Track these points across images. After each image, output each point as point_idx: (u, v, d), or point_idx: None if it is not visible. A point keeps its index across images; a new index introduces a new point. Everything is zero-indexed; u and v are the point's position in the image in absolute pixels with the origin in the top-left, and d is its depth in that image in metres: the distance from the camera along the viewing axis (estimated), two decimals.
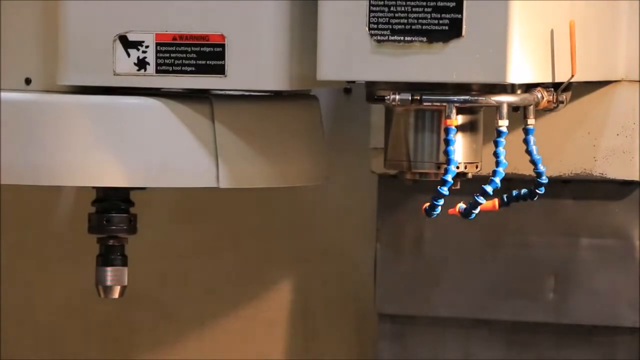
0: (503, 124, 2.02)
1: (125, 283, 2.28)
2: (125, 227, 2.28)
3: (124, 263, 2.28)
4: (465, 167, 2.09)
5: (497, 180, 2.03)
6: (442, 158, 2.05)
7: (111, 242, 2.28)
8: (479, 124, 2.13)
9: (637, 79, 2.28)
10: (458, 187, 2.06)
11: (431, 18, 1.96)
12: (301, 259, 2.71)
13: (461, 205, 2.06)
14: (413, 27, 1.97)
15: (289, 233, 2.70)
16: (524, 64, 1.97)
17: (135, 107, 2.19)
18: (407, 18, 1.97)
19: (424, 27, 1.96)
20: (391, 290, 2.50)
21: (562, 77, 2.06)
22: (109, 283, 2.28)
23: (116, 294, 2.29)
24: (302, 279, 2.72)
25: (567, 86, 2.14)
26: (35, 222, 2.66)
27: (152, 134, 2.17)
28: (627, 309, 2.42)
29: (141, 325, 2.74)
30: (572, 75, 2.07)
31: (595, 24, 2.18)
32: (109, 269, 2.27)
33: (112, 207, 2.26)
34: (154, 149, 2.19)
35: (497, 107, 2.02)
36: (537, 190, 2.10)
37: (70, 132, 2.21)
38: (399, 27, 1.98)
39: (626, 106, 2.31)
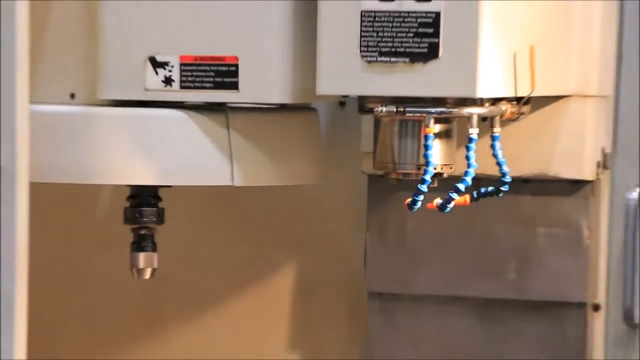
0: (473, 132, 2.06)
1: (155, 266, 2.32)
2: (154, 219, 2.30)
3: (154, 249, 2.31)
4: (442, 168, 2.12)
5: (468, 179, 2.07)
6: (421, 160, 2.08)
7: (143, 231, 2.31)
8: (453, 132, 2.16)
9: (586, 94, 2.30)
10: (435, 185, 2.09)
11: (413, 42, 1.99)
12: (302, 246, 2.72)
13: (438, 201, 2.10)
14: (397, 49, 2.00)
15: (292, 224, 2.71)
16: (491, 81, 2.00)
17: (163, 118, 2.21)
18: (393, 42, 2.00)
19: (406, 49, 1.99)
20: (379, 272, 2.51)
21: (523, 92, 2.10)
22: (141, 266, 2.31)
23: (148, 275, 2.32)
24: (303, 263, 2.72)
25: (527, 100, 2.17)
26: (80, 215, 2.65)
27: (177, 141, 2.20)
28: (576, 288, 2.39)
29: (168, 301, 2.74)
30: (532, 91, 2.11)
31: (551, 47, 2.20)
32: (141, 254, 2.30)
33: (143, 202, 2.29)
34: (178, 153, 2.21)
35: (468, 117, 2.06)
36: (501, 188, 2.16)
37: (108, 139, 2.22)
38: (386, 49, 2.01)
39: (576, 117, 2.32)
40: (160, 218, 2.30)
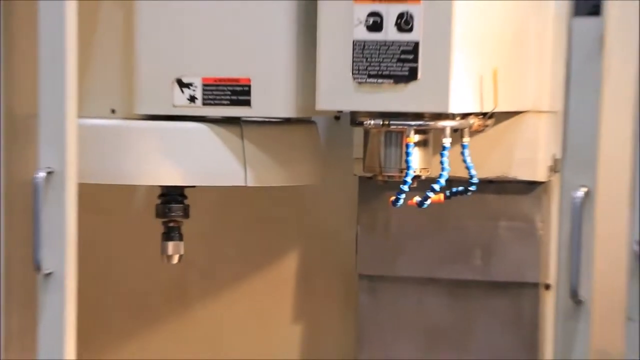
0: (446, 141, 2.10)
1: (182, 252, 2.35)
2: (181, 214, 2.33)
3: (181, 239, 2.34)
4: (420, 171, 2.15)
5: (442, 180, 2.10)
6: (403, 165, 2.12)
7: (171, 224, 2.34)
8: (429, 141, 2.19)
9: (539, 110, 2.32)
10: (415, 185, 2.12)
11: (396, 66, 2.02)
12: (304, 236, 2.73)
13: (417, 198, 2.14)
14: (383, 72, 2.03)
15: (295, 218, 2.72)
16: (461, 99, 2.04)
17: (188, 130, 2.24)
18: (379, 66, 2.04)
19: (391, 72, 2.03)
20: (368, 257, 2.52)
21: (487, 108, 2.13)
22: (170, 253, 2.34)
23: (175, 260, 2.35)
24: (304, 250, 2.74)
25: (491, 115, 2.19)
26: (120, 210, 2.68)
27: (199, 149, 2.23)
28: (531, 270, 2.44)
29: (192, 281, 2.75)
30: (495, 107, 2.14)
31: (511, 70, 2.21)
32: (170, 243, 2.34)
33: (171, 199, 2.33)
34: (200, 159, 2.25)
35: (442, 129, 2.10)
36: (470, 188, 2.20)
37: (143, 147, 2.25)
38: (374, 72, 2.04)
39: (531, 129, 2.36)
40: (185, 213, 2.33)
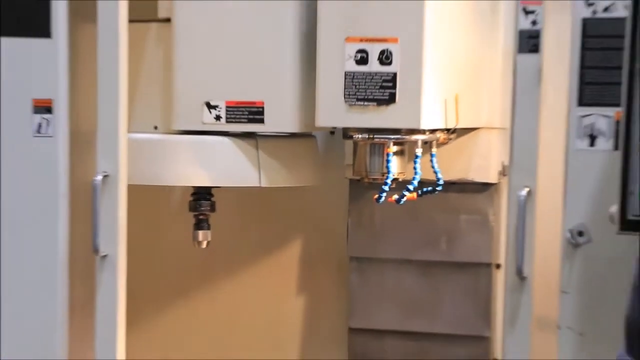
0: (418, 151, 2.12)
1: (209, 239, 2.34)
2: (209, 208, 2.33)
3: (209, 228, 2.34)
4: (397, 175, 2.16)
5: (415, 182, 2.13)
6: (384, 170, 2.13)
7: (201, 216, 2.34)
8: (405, 151, 2.20)
9: (491, 127, 2.32)
10: (394, 186, 2.12)
11: (378, 92, 2.04)
12: (305, 226, 2.69)
13: (395, 196, 2.14)
14: (369, 97, 2.05)
15: (298, 212, 2.67)
16: (430, 118, 2.05)
17: (214, 142, 2.23)
18: (365, 92, 2.05)
19: (375, 97, 2.05)
20: (356, 243, 2.51)
21: (451, 125, 2.14)
22: (200, 239, 2.34)
23: (204, 245, 2.35)
24: (306, 237, 2.69)
25: (454, 130, 2.20)
26: (160, 205, 2.65)
27: (223, 157, 2.23)
28: (485, 253, 2.41)
29: (218, 262, 2.70)
30: (456, 124, 2.15)
31: (469, 94, 2.20)
32: (200, 231, 2.34)
33: (201, 197, 2.32)
34: (224, 165, 2.24)
35: (415, 141, 2.11)
36: (437, 188, 2.22)
37: (180, 156, 2.24)
38: (361, 97, 2.06)
39: (485, 141, 2.34)
40: (212, 208, 2.32)
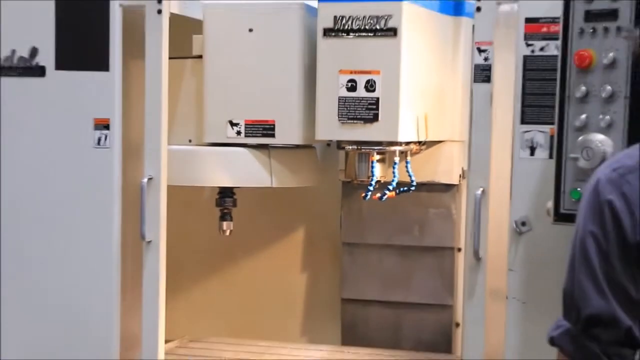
0: (396, 159, 2.13)
1: (232, 228, 2.32)
2: (232, 204, 2.31)
3: (231, 219, 2.31)
4: (380, 178, 2.15)
5: (394, 183, 2.13)
6: (369, 174, 2.13)
7: (225, 210, 2.32)
8: (386, 159, 2.19)
9: (453, 140, 2.31)
10: (377, 186, 2.13)
11: (365, 112, 2.06)
12: (307, 218, 2.67)
13: (378, 195, 2.14)
14: (357, 116, 2.06)
15: (302, 207, 2.63)
16: (405, 132, 2.06)
17: (236, 152, 2.21)
18: (354, 112, 2.06)
19: (362, 116, 2.06)
20: (348, 231, 2.48)
21: (422, 138, 2.14)
22: (224, 229, 2.32)
23: (228, 233, 2.33)
24: (308, 226, 2.67)
25: (424, 143, 2.19)
26: (193, 201, 2.58)
27: (243, 164, 2.22)
28: (449, 239, 2.39)
29: (237, 246, 2.66)
30: (426, 138, 2.15)
31: (436, 114, 2.20)
32: (224, 222, 2.32)
33: (225, 195, 2.30)
34: (243, 170, 2.23)
35: (394, 151, 2.12)
36: (411, 188, 2.21)
37: (210, 163, 2.24)
38: (351, 116, 2.06)
39: (449, 151, 2.32)
40: (234, 203, 2.31)
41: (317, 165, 2.42)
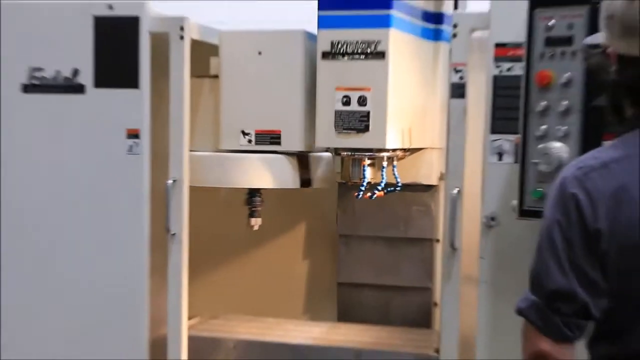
0: (384, 163, 2.13)
1: (260, 223, 2.28)
2: (259, 203, 2.26)
3: (260, 215, 2.27)
4: (370, 179, 2.14)
5: (382, 184, 2.13)
6: (362, 176, 2.12)
7: (254, 208, 2.26)
8: (375, 163, 2.17)
9: (433, 147, 2.29)
10: (368, 187, 2.12)
11: (357, 123, 2.04)
12: (309, 215, 2.60)
13: (369, 194, 2.13)
14: (351, 127, 2.04)
15: (304, 205, 2.58)
16: (392, 140, 2.05)
17: (246, 158, 2.17)
18: (349, 123, 2.04)
19: (355, 127, 2.04)
20: (343, 225, 2.47)
21: (406, 145, 2.13)
22: (253, 224, 2.28)
23: (256, 228, 2.28)
24: (309, 222, 2.65)
25: (408, 149, 2.19)
26: (225, 199, 2.53)
27: (279, 168, 2.18)
28: (428, 232, 2.39)
29: (250, 238, 2.51)
30: (410, 145, 2.15)
31: (419, 126, 2.18)
32: (253, 218, 2.27)
33: (253, 194, 2.26)
34: (278, 173, 2.18)
35: (382, 157, 2.11)
36: (397, 188, 2.20)
37: (227, 167, 2.17)
38: (346, 127, 2.05)
39: (429, 157, 2.30)
40: (261, 202, 2.27)
41: (332, 170, 2.36)
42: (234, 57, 2.15)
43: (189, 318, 2.21)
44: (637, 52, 1.18)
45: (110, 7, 2.05)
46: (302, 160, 2.22)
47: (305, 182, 2.25)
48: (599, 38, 1.27)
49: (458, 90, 1.94)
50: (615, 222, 1.17)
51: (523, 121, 1.75)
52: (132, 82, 2.07)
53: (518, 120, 1.77)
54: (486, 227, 1.90)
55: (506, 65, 1.86)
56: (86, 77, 2.10)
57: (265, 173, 2.18)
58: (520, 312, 1.27)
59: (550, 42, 1.72)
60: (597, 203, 1.18)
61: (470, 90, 1.93)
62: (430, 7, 2.20)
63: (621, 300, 1.20)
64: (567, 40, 1.70)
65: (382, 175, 2.13)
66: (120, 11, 2.05)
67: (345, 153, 2.12)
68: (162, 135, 2.12)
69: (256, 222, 2.29)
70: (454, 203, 1.94)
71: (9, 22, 2.13)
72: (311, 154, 2.24)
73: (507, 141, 1.87)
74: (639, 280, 1.18)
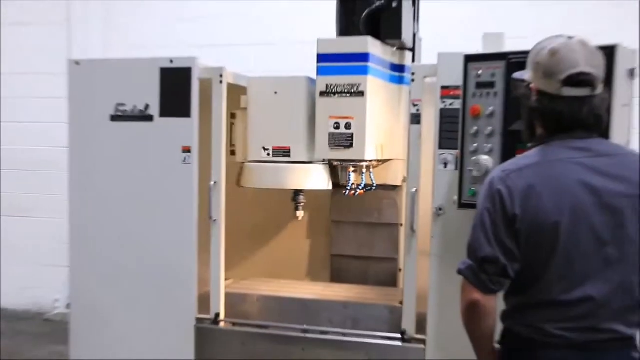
0: (364, 170, 2.10)
1: (303, 214, 2.22)
2: (303, 200, 2.19)
3: (303, 209, 2.21)
4: (354, 181, 2.11)
5: (362, 185, 2.11)
6: (347, 179, 2.10)
7: (298, 204, 2.20)
8: (358, 170, 2.11)
9: (399, 159, 2.24)
10: (352, 187, 2.10)
11: (345, 142, 2.01)
12: (310, 207, 2.35)
13: (353, 192, 2.11)
14: (340, 144, 2.02)
15: (307, 200, 2.38)
16: (369, 153, 2.02)
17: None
18: (339, 141, 2.01)
19: (343, 144, 2.01)
20: (335, 213, 2.46)
21: (379, 157, 2.10)
22: (297, 215, 2.21)
23: (299, 218, 2.22)
24: (311, 212, 2.46)
25: (380, 160, 2.16)
26: (272, 197, 2.36)
27: (319, 174, 2.08)
28: (395, 218, 2.33)
29: (269, 223, 2.55)
30: (382, 157, 2.14)
31: (388, 143, 2.16)
32: (298, 211, 2.21)
33: (298, 194, 2.19)
34: (318, 178, 2.09)
35: (362, 165, 2.08)
36: (373, 188, 2.17)
37: (282, 173, 2.07)
38: (337, 143, 2.03)
39: (395, 166, 2.29)
40: (304, 199, 2.20)
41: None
42: (258, 96, 2.12)
43: (225, 280, 2.19)
44: (552, 91, 1.25)
45: (171, 61, 2.07)
46: (333, 168, 2.11)
47: (335, 185, 2.14)
48: (525, 75, 1.33)
49: (416, 119, 1.93)
50: (526, 210, 1.24)
51: (461, 141, 1.77)
52: (185, 113, 2.06)
53: (457, 140, 1.78)
54: (436, 216, 1.89)
55: (449, 101, 1.86)
56: (154, 109, 2.10)
57: (308, 178, 2.10)
58: (460, 272, 1.33)
59: (479, 85, 1.75)
60: (514, 196, 1.25)
61: (424, 119, 1.92)
62: (396, 60, 2.19)
63: (527, 264, 1.26)
64: (491, 84, 1.74)
65: (362, 178, 2.10)
66: (178, 64, 2.06)
67: (336, 162, 2.09)
68: (206, 150, 2.10)
69: (300, 214, 2.20)
70: (413, 199, 1.93)
71: (103, 71, 2.15)
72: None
73: (450, 155, 1.87)
74: (540, 251, 1.24)
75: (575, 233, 1.21)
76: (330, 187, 2.12)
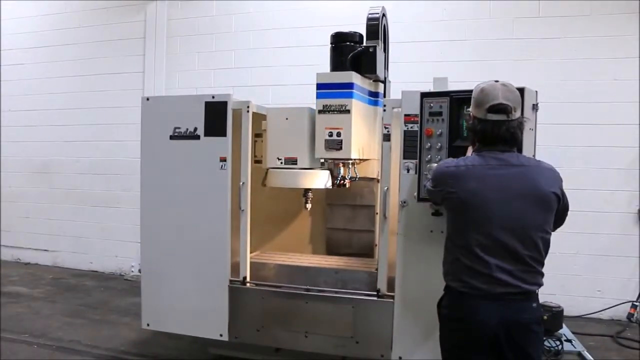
0: (351, 165, 2.03)
1: (310, 206, 2.11)
2: (311, 195, 2.10)
3: (311, 202, 2.11)
4: (343, 174, 2.03)
5: (349, 177, 2.03)
6: (337, 173, 2.03)
7: (307, 198, 2.11)
8: (346, 166, 2.04)
9: (374, 159, 2.15)
10: (341, 178, 2.02)
11: (336, 146, 1.93)
12: (314, 201, 2.23)
13: (342, 182, 2.02)
14: (333, 147, 1.93)
15: (316, 198, 2.26)
16: (354, 154, 1.96)
17: (321, 172, 2.03)
18: (332, 145, 1.93)
19: (335, 147, 1.93)
20: (329, 197, 2.37)
21: (361, 157, 2.03)
22: (306, 207, 2.11)
23: (308, 209, 2.12)
24: (314, 205, 2.21)
25: (362, 160, 2.07)
26: (284, 193, 2.25)
27: (324, 176, 2.02)
28: (372, 201, 2.29)
29: (282, 209, 2.44)
30: (363, 157, 2.04)
31: (367, 145, 2.07)
32: (306, 204, 2.10)
33: (307, 192, 2.11)
34: (323, 179, 2.02)
35: (348, 162, 2.01)
36: (356, 179, 2.07)
37: (297, 176, 2.01)
38: (331, 147, 1.93)
39: (372, 164, 2.20)
40: (312, 195, 2.10)
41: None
42: (274, 121, 2.10)
43: (251, 252, 2.16)
44: (480, 115, 1.37)
45: (213, 97, 2.07)
46: (332, 172, 2.08)
47: (333, 184, 2.07)
48: (471, 108, 1.43)
49: (387, 137, 1.92)
50: (458, 188, 1.35)
51: (419, 153, 1.80)
52: (223, 133, 2.05)
53: (417, 152, 1.80)
54: (401, 207, 1.88)
55: (410, 125, 1.85)
56: (200, 131, 2.09)
57: (316, 179, 2.04)
58: (426, 192, 1.51)
59: (431, 114, 1.80)
60: (451, 178, 1.37)
61: (393, 137, 1.91)
62: (372, 89, 2.15)
63: (457, 222, 1.37)
64: (439, 113, 1.78)
65: (348, 172, 2.06)
66: (218, 99, 2.06)
67: (330, 161, 2.05)
68: (237, 160, 2.08)
69: (309, 206, 2.12)
70: (385, 195, 1.92)
71: (165, 104, 2.12)
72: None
73: (411, 163, 1.86)
74: (467, 213, 1.35)
75: (483, 204, 1.33)
76: (330, 185, 2.06)
